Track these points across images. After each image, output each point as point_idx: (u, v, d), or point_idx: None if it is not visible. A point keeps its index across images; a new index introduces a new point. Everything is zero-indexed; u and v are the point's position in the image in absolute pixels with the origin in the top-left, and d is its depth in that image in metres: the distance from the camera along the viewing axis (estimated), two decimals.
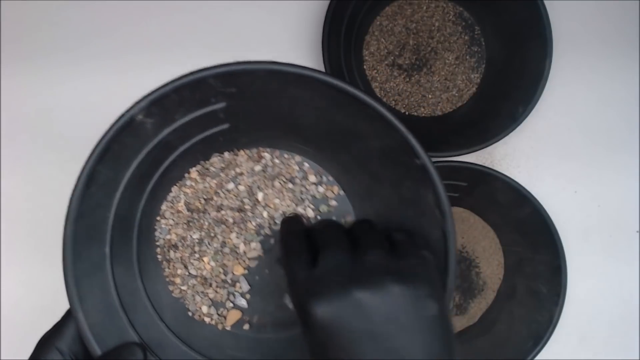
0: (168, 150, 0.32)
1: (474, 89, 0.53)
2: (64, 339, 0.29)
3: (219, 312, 0.34)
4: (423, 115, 0.53)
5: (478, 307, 0.52)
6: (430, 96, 0.53)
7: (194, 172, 0.34)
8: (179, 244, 0.33)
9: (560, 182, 0.54)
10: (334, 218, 0.36)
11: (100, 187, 0.29)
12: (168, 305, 0.33)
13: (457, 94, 0.53)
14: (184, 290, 0.33)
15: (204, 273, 0.33)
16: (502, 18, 0.51)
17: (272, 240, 0.35)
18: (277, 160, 0.35)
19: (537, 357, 0.48)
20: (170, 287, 0.34)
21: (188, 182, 0.34)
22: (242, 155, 0.35)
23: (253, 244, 0.34)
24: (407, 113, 0.53)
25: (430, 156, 0.48)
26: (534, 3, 0.47)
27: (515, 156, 0.54)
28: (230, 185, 0.34)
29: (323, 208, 0.36)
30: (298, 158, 0.36)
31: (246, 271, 0.34)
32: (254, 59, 0.28)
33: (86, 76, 0.52)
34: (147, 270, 0.33)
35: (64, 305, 0.50)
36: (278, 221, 0.34)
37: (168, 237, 0.34)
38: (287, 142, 0.35)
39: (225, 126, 0.32)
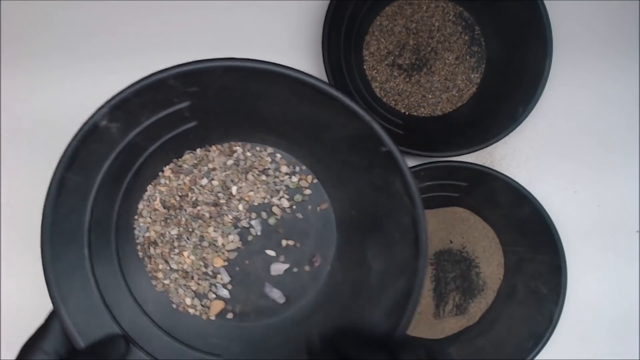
0: (138, 151, 0.32)
1: (474, 89, 0.53)
2: (49, 340, 0.29)
3: (203, 303, 0.35)
4: (423, 115, 0.53)
5: (478, 307, 0.52)
6: (430, 96, 0.53)
7: (167, 170, 0.35)
8: (158, 241, 0.34)
9: (560, 182, 0.54)
10: (309, 207, 0.36)
11: (72, 193, 0.29)
12: (152, 300, 0.34)
13: (457, 94, 0.53)
14: (166, 284, 0.34)
15: (185, 267, 0.34)
16: (502, 18, 0.51)
17: (250, 232, 0.36)
18: (248, 154, 0.35)
19: (537, 357, 0.48)
20: (154, 282, 0.34)
21: (162, 181, 0.35)
22: (214, 151, 0.35)
23: (231, 237, 0.35)
24: (407, 113, 0.53)
25: (430, 156, 0.48)
26: (534, 3, 0.47)
27: (515, 156, 0.54)
28: (204, 181, 0.35)
29: (298, 197, 0.36)
30: (270, 150, 0.36)
31: (226, 263, 0.35)
32: (215, 56, 0.28)
33: (86, 76, 0.52)
34: (129, 267, 0.34)
35: None
36: (254, 213, 0.35)
37: (147, 234, 0.34)
38: (258, 135, 0.35)
39: (192, 124, 0.33)
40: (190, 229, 0.34)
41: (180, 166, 0.35)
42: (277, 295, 0.36)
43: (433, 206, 0.52)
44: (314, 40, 0.53)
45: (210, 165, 0.35)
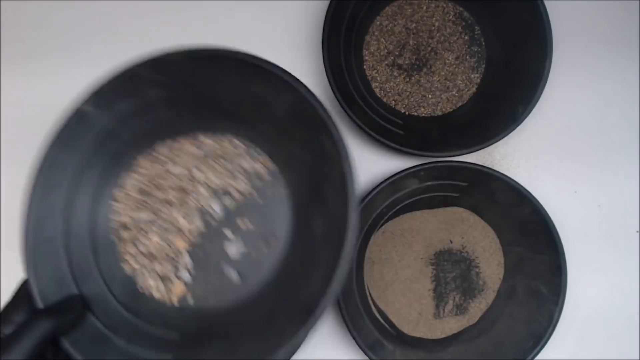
0: (114, 138, 0.36)
1: (474, 89, 0.53)
2: (21, 304, 0.32)
3: (166, 286, 0.36)
4: (423, 115, 0.53)
5: (478, 307, 0.52)
6: (430, 96, 0.53)
7: (140, 159, 0.37)
8: (130, 224, 0.36)
9: (560, 182, 0.54)
10: (268, 191, 0.37)
11: (54, 169, 0.34)
12: (120, 281, 0.36)
13: (457, 94, 0.53)
14: (135, 267, 0.36)
15: (152, 250, 0.36)
16: (502, 18, 0.51)
17: (213, 217, 0.37)
18: (210, 141, 0.38)
19: (537, 357, 0.48)
20: (123, 265, 0.36)
21: (136, 169, 0.37)
22: (182, 142, 0.38)
23: (195, 221, 0.36)
24: (407, 113, 0.53)
25: (430, 156, 0.48)
26: (534, 3, 0.47)
27: (515, 156, 0.54)
28: (173, 169, 0.37)
29: (256, 182, 0.37)
30: (229, 136, 0.38)
31: (189, 246, 0.36)
32: (178, 46, 0.33)
33: (86, 76, 0.52)
34: (102, 248, 0.36)
35: None
36: (216, 198, 0.37)
37: (120, 218, 0.36)
38: (221, 123, 0.38)
39: (164, 113, 0.36)
40: (159, 214, 0.36)
41: (152, 155, 0.37)
42: (234, 275, 0.36)
43: (433, 206, 0.52)
44: (314, 40, 0.53)
45: (179, 154, 0.37)
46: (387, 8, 0.53)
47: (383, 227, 0.52)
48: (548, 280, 0.49)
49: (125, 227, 0.36)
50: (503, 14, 0.51)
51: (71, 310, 0.32)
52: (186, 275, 0.36)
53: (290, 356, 0.31)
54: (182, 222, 0.36)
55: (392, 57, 0.53)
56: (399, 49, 0.53)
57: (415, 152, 0.48)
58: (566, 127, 0.54)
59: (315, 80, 0.53)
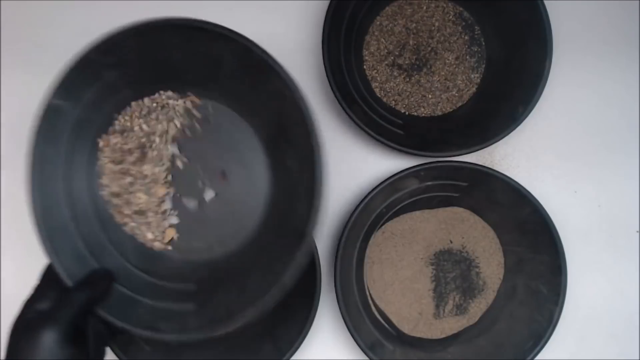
0: (90, 125, 0.38)
1: (474, 89, 0.53)
2: (51, 284, 0.34)
3: (160, 233, 0.40)
4: (423, 115, 0.53)
5: (478, 307, 0.52)
6: (430, 96, 0.53)
7: (105, 137, 0.40)
8: (119, 191, 0.39)
9: (560, 182, 0.54)
10: (231, 133, 0.40)
11: (46, 163, 0.36)
12: (130, 248, 0.39)
13: (457, 94, 0.53)
14: (134, 226, 0.40)
15: (142, 206, 0.39)
16: (502, 18, 0.51)
17: (179, 161, 0.40)
18: (147, 99, 0.40)
19: (537, 357, 0.48)
20: (125, 229, 0.40)
21: (102, 144, 0.40)
22: (134, 108, 0.40)
23: (164, 164, 0.40)
24: (407, 113, 0.53)
25: (430, 156, 0.48)
26: (534, 3, 0.47)
27: (515, 156, 0.54)
28: (130, 133, 0.40)
29: (191, 119, 0.40)
30: (170, 93, 0.40)
31: (168, 190, 0.40)
32: (121, 25, 0.34)
33: None
34: (106, 221, 0.39)
35: None
36: (164, 138, 0.40)
37: (110, 190, 0.40)
38: (180, 86, 0.40)
39: (127, 91, 0.39)
40: (136, 174, 0.39)
41: (114, 129, 0.40)
42: (210, 195, 0.40)
43: (433, 206, 0.52)
44: (314, 40, 0.53)
45: (129, 119, 0.40)
46: (387, 8, 0.53)
47: (383, 227, 0.52)
48: (548, 280, 0.49)
49: (116, 195, 0.39)
50: (503, 14, 0.51)
51: (98, 282, 0.36)
52: (173, 219, 0.40)
53: (294, 279, 0.34)
54: (153, 170, 0.40)
55: (392, 57, 0.53)
56: (399, 49, 0.53)
57: (415, 152, 0.48)
58: (566, 127, 0.54)
59: (315, 80, 0.53)
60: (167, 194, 0.40)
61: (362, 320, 0.48)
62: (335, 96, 0.47)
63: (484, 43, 0.53)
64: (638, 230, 0.54)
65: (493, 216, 0.52)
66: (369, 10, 0.52)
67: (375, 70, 0.53)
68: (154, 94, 0.40)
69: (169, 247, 0.40)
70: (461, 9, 0.53)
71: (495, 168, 0.50)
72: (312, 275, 0.47)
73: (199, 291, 0.38)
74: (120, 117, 0.40)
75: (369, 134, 0.48)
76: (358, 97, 0.51)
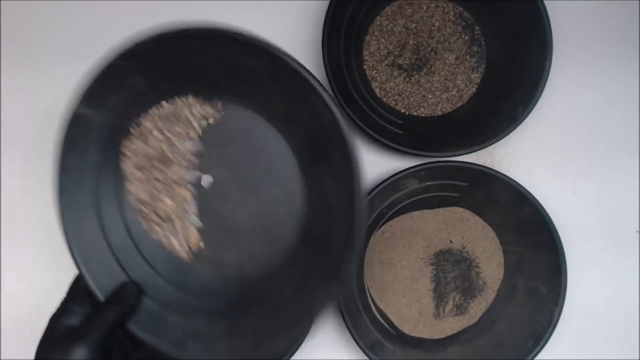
0: (117, 131, 0.37)
1: (474, 89, 0.53)
2: (75, 303, 0.34)
3: (187, 241, 0.39)
4: (423, 115, 0.53)
5: (478, 307, 0.52)
6: (430, 96, 0.53)
7: (128, 143, 0.38)
8: (146, 199, 0.38)
9: (560, 182, 0.54)
10: (265, 146, 0.38)
11: (72, 172, 0.36)
12: (160, 258, 0.38)
13: (457, 94, 0.53)
14: (161, 234, 0.39)
15: (169, 212, 0.38)
16: (502, 18, 0.51)
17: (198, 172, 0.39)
18: (166, 104, 0.38)
19: (537, 357, 0.48)
20: (154, 236, 0.39)
21: (128, 150, 0.39)
22: (154, 112, 0.38)
23: (187, 167, 0.38)
24: (407, 113, 0.53)
25: (430, 156, 0.48)
26: (534, 3, 0.47)
27: (515, 156, 0.54)
28: (151, 138, 0.38)
29: (203, 122, 0.38)
30: (191, 98, 0.38)
31: (193, 193, 0.38)
32: (148, 30, 0.33)
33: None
34: (135, 230, 0.38)
35: None
36: (188, 145, 0.38)
37: (138, 197, 0.38)
38: (210, 92, 0.38)
39: (153, 95, 0.37)
40: (161, 178, 0.38)
41: (137, 135, 0.38)
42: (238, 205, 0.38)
43: (433, 206, 0.52)
44: (314, 40, 0.53)
45: (152, 126, 0.39)
46: (387, 8, 0.53)
47: (383, 227, 0.52)
48: (548, 280, 0.49)
49: (144, 202, 0.38)
50: (503, 14, 0.51)
51: (129, 297, 0.35)
52: (196, 221, 0.38)
53: (326, 311, 0.33)
54: (178, 175, 0.38)
55: (392, 57, 0.53)
56: (399, 49, 0.53)
57: (415, 152, 0.48)
58: (566, 127, 0.54)
59: None
60: (192, 197, 0.38)
61: (362, 320, 0.48)
62: (335, 96, 0.47)
63: (484, 43, 0.53)
64: (638, 230, 0.54)
65: (493, 216, 0.52)
66: (369, 10, 0.52)
67: (375, 70, 0.53)
68: (174, 98, 0.38)
69: (196, 258, 0.38)
70: (461, 9, 0.53)
71: (495, 168, 0.50)
72: None
73: (229, 311, 0.37)
74: (141, 121, 0.38)
75: (369, 134, 0.48)
76: (358, 97, 0.51)
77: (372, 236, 0.51)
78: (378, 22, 0.53)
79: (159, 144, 0.38)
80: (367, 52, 0.53)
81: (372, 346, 0.47)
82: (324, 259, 0.34)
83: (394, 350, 0.48)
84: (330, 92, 0.48)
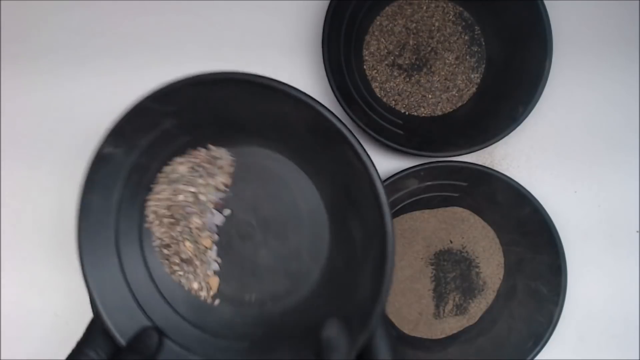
0: (145, 171, 0.37)
1: (474, 89, 0.53)
2: (95, 343, 0.33)
3: (206, 283, 0.39)
4: (423, 115, 0.53)
5: (478, 307, 0.52)
6: (430, 96, 0.53)
7: (154, 188, 0.39)
8: (169, 241, 0.39)
9: (560, 182, 0.54)
10: (298, 197, 0.39)
11: (95, 212, 0.35)
12: (181, 299, 0.38)
13: (457, 94, 0.53)
14: (182, 276, 0.39)
15: (190, 255, 0.38)
16: (502, 18, 0.51)
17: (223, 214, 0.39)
18: (195, 152, 0.39)
19: (537, 357, 0.48)
20: (174, 278, 0.39)
21: (154, 196, 0.39)
22: (182, 163, 0.39)
23: (212, 214, 0.39)
24: (407, 113, 0.53)
25: (430, 156, 0.48)
26: (534, 3, 0.47)
27: (515, 156, 0.54)
28: (178, 185, 0.39)
29: (231, 169, 0.39)
30: (217, 149, 0.39)
31: (213, 239, 0.39)
32: (184, 74, 0.33)
33: (86, 76, 0.52)
34: (156, 272, 0.38)
35: (64, 305, 0.50)
36: (213, 196, 0.39)
37: (161, 239, 0.39)
38: (241, 140, 0.39)
39: (185, 138, 0.38)
40: (184, 224, 0.39)
41: (162, 179, 0.39)
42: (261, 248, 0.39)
43: (433, 206, 0.52)
44: (314, 40, 0.53)
45: (174, 170, 0.39)
46: (387, 8, 0.53)
47: None
48: (548, 280, 0.49)
49: (166, 246, 0.38)
50: (503, 14, 0.51)
51: (150, 343, 0.34)
52: (216, 266, 0.39)
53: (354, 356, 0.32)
54: (201, 221, 0.39)
55: (392, 57, 0.53)
56: (399, 49, 0.53)
57: (415, 152, 0.48)
58: (566, 127, 0.54)
59: (315, 80, 0.53)
60: (213, 243, 0.39)
61: None
62: (335, 96, 0.47)
63: (484, 43, 0.53)
64: (638, 230, 0.54)
65: (493, 216, 0.52)
66: (369, 10, 0.52)
67: (375, 70, 0.53)
68: (199, 147, 0.39)
69: (217, 299, 0.39)
70: (461, 9, 0.53)
71: (495, 168, 0.50)
72: None
73: (251, 350, 0.37)
74: (170, 167, 0.38)
75: (369, 134, 0.48)
76: (358, 97, 0.51)
77: None
78: (378, 22, 0.53)
79: (184, 194, 0.38)
80: (367, 52, 0.53)
81: None
82: (351, 304, 0.34)
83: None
84: (331, 92, 0.48)
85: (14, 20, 0.52)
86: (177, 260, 0.38)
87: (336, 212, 0.38)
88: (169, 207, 0.38)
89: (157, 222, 0.38)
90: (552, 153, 0.54)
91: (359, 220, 0.35)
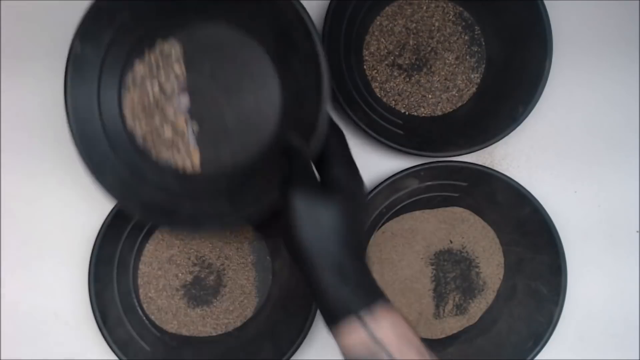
0: (112, 70, 0.43)
1: (474, 89, 0.53)
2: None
3: (188, 157, 0.44)
4: (423, 115, 0.53)
5: (478, 307, 0.52)
6: (430, 96, 0.53)
7: (127, 91, 0.44)
8: (150, 132, 0.44)
9: (560, 182, 0.54)
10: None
11: (78, 106, 0.42)
12: (169, 173, 0.44)
13: (457, 94, 0.53)
14: (169, 155, 0.44)
15: (170, 137, 0.44)
16: (502, 18, 0.51)
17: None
18: (148, 56, 0.44)
19: (537, 357, 0.48)
20: (162, 159, 0.44)
21: (130, 86, 0.44)
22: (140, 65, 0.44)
23: (180, 100, 0.44)
24: (407, 113, 0.53)
25: (430, 156, 0.48)
26: (534, 3, 0.47)
27: (515, 156, 0.54)
28: (146, 83, 0.44)
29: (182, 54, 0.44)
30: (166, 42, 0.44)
31: (188, 119, 0.44)
32: None
33: None
34: (144, 156, 0.44)
35: (64, 305, 0.50)
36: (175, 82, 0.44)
37: (141, 130, 0.44)
38: (191, 17, 0.43)
39: (138, 31, 0.43)
40: (159, 113, 0.44)
41: (131, 80, 0.44)
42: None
43: (433, 206, 0.52)
44: None
45: (145, 70, 0.44)
46: (387, 8, 0.53)
47: (383, 227, 0.52)
48: (548, 280, 0.49)
49: (149, 136, 0.44)
50: (503, 14, 0.51)
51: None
52: (193, 141, 0.44)
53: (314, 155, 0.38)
54: (173, 107, 0.44)
55: (392, 57, 0.53)
56: (399, 49, 0.53)
57: (415, 152, 0.48)
58: (566, 127, 0.54)
59: None
60: (188, 122, 0.44)
61: None
62: (335, 96, 0.47)
63: (484, 43, 0.53)
64: (638, 230, 0.54)
65: (493, 216, 0.52)
66: (369, 10, 0.52)
67: (375, 70, 0.53)
68: (154, 44, 0.43)
69: (199, 167, 0.44)
70: (461, 9, 0.53)
71: (495, 168, 0.50)
72: None
73: (228, 191, 0.43)
74: (130, 74, 0.44)
75: (369, 134, 0.48)
76: (358, 97, 0.51)
77: (372, 236, 0.51)
78: (378, 22, 0.53)
79: (152, 91, 0.44)
80: (367, 52, 0.53)
81: None
82: (304, 123, 0.40)
83: None
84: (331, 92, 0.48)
85: (14, 20, 0.52)
86: (161, 145, 0.44)
87: (279, 59, 0.43)
88: (142, 106, 0.44)
89: (136, 121, 0.44)
90: (552, 153, 0.54)
91: (297, 57, 0.40)
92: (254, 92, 0.43)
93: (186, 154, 0.44)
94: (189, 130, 0.44)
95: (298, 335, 0.46)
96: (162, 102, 0.44)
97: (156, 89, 0.44)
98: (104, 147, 0.43)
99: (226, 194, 0.43)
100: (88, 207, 0.51)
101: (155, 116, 0.44)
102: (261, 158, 0.43)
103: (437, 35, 0.53)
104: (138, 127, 0.44)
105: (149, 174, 0.44)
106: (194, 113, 0.44)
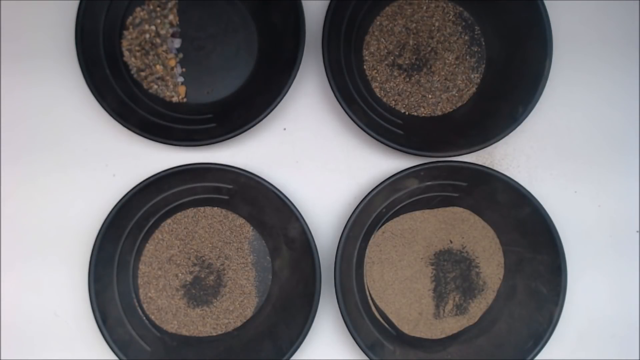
0: (115, 17, 0.52)
1: (474, 89, 0.53)
2: None
3: (175, 91, 0.52)
4: (423, 115, 0.53)
5: (478, 307, 0.52)
6: (430, 96, 0.53)
7: (127, 30, 0.52)
8: (144, 67, 0.52)
9: (560, 182, 0.54)
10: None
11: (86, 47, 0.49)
12: (161, 104, 0.52)
13: (457, 94, 0.53)
14: (157, 88, 0.52)
15: (161, 74, 0.52)
16: (502, 18, 0.51)
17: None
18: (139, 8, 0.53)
19: (537, 357, 0.48)
20: (152, 91, 0.52)
21: (130, 28, 0.52)
22: (140, 10, 0.53)
23: (173, 42, 0.53)
24: (407, 113, 0.53)
25: (430, 156, 0.48)
26: (534, 3, 0.47)
27: (515, 156, 0.54)
28: (141, 28, 0.52)
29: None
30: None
31: (177, 60, 0.53)
32: None
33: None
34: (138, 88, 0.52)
35: (64, 305, 0.50)
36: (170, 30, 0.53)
37: (136, 67, 0.52)
38: None
39: None
40: (153, 52, 0.52)
41: (130, 23, 0.52)
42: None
43: (433, 206, 0.52)
44: (314, 40, 0.53)
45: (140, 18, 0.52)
46: (387, 8, 0.53)
47: (383, 227, 0.52)
48: (548, 280, 0.49)
49: (142, 70, 0.52)
50: (503, 14, 0.51)
51: None
52: (181, 79, 0.52)
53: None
54: (163, 49, 0.52)
55: (392, 57, 0.53)
56: (399, 49, 0.53)
57: (415, 152, 0.48)
58: (566, 127, 0.54)
59: (315, 80, 0.53)
60: (178, 62, 0.52)
61: (362, 320, 0.48)
62: (335, 96, 0.47)
63: (484, 43, 0.53)
64: (638, 230, 0.54)
65: (493, 216, 0.52)
66: (369, 10, 0.52)
67: (375, 70, 0.53)
68: None
69: (185, 99, 0.52)
70: (461, 9, 0.53)
71: (495, 168, 0.50)
72: (312, 276, 0.47)
73: (215, 119, 0.51)
74: (130, 17, 0.52)
75: (369, 134, 0.48)
76: (358, 97, 0.51)
77: (372, 236, 0.51)
78: (378, 22, 0.53)
79: (148, 32, 0.52)
80: (367, 52, 0.53)
81: (372, 346, 0.47)
82: (281, 60, 0.48)
83: (394, 350, 0.48)
84: (331, 92, 0.48)
85: (14, 20, 0.52)
86: (152, 79, 0.52)
87: (259, 11, 0.51)
88: (139, 44, 0.51)
89: (132, 56, 0.52)
90: (552, 153, 0.54)
91: (278, 11, 0.49)
92: (235, 40, 0.52)
93: (173, 89, 0.52)
94: (177, 69, 0.52)
95: (298, 335, 0.46)
96: (156, 43, 0.52)
97: (153, 30, 0.52)
98: (104, 72, 0.50)
99: (212, 117, 0.51)
100: (88, 207, 0.51)
101: (150, 54, 0.52)
102: (243, 93, 0.52)
103: (437, 35, 0.53)
104: (133, 61, 0.52)
105: (142, 100, 0.51)
106: (183, 55, 0.52)
